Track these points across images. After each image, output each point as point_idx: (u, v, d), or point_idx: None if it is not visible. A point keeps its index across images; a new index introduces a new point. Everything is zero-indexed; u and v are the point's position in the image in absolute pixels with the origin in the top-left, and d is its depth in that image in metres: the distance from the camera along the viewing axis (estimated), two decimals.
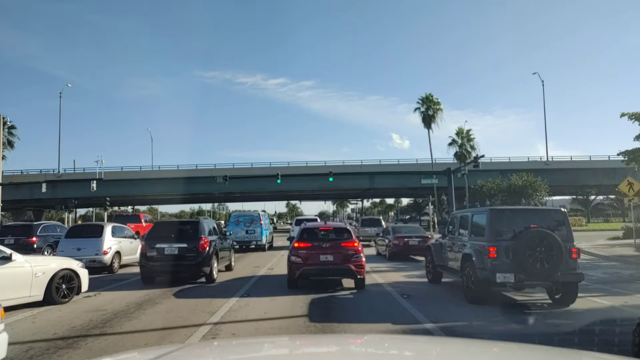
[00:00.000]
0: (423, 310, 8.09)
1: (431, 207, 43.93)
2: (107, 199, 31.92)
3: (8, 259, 8.26)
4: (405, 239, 18.25)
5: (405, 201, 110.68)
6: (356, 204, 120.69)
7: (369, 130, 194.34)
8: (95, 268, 13.71)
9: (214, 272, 12.27)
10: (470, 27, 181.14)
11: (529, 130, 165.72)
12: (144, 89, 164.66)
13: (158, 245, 12.08)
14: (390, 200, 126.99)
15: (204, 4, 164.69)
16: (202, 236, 12.26)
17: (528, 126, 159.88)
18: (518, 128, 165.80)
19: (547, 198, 46.91)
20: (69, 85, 52.71)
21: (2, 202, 32.22)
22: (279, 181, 38.33)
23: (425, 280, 11.92)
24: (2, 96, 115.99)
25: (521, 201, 43.74)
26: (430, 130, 50.86)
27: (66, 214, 32.87)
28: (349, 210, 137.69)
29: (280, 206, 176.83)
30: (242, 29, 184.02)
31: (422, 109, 50.80)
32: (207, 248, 12.06)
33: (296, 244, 11.03)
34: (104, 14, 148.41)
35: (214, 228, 13.90)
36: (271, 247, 25.73)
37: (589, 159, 50.63)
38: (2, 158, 44.22)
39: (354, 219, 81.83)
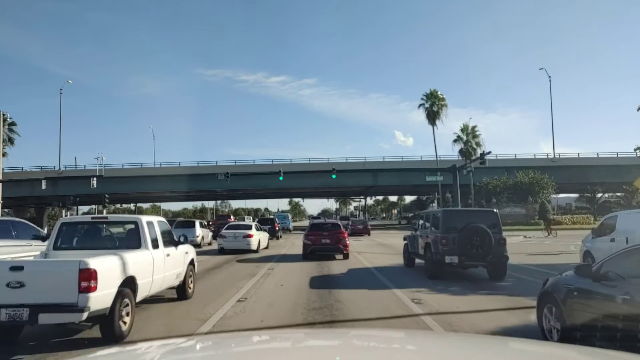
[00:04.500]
0: (394, 280, 11.12)
1: (435, 204, 43.28)
2: (106, 196, 31.38)
3: (265, 231, 24.52)
4: (357, 225, 38.79)
5: (408, 199, 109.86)
6: (359, 201, 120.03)
7: (372, 128, 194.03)
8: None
9: (280, 236, 33.51)
10: (473, 25, 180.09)
11: (532, 128, 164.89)
12: (145, 87, 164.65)
13: (261, 226, 26.44)
14: (393, 198, 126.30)
15: (206, 2, 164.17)
16: (275, 223, 33.54)
17: (531, 124, 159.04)
18: (521, 126, 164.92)
19: (553, 195, 46.21)
20: (69, 81, 52.08)
21: (2, 199, 31.82)
22: (281, 178, 37.73)
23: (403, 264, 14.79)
24: (4, 94, 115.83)
25: (528, 199, 43.12)
26: (435, 127, 50.07)
27: (64, 211, 32.29)
28: (351, 207, 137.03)
29: (282, 204, 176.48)
30: (244, 27, 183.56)
31: (427, 105, 49.93)
32: (277, 227, 33.44)
33: (307, 232, 17.78)
34: (104, 12, 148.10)
35: (276, 220, 35.59)
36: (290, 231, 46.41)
37: (596, 155, 49.77)
38: (3, 155, 43.82)
39: (339, 215, 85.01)
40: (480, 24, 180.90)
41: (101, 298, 5.47)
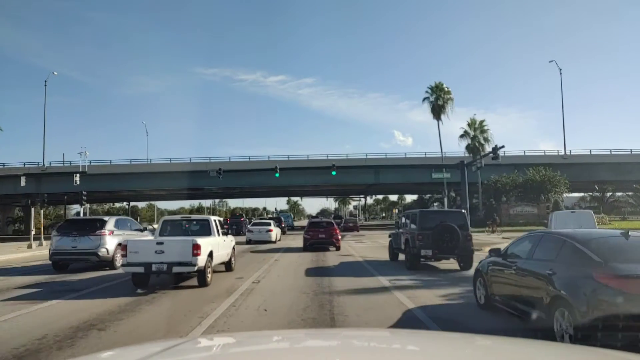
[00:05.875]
0: (380, 271, 12.78)
1: (444, 203, 40.88)
2: (84, 193, 28.67)
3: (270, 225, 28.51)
4: (348, 224, 45.25)
5: (409, 198, 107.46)
6: (359, 200, 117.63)
7: (371, 128, 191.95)
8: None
9: (285, 232, 38.90)
10: (471, 25, 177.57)
11: (531, 128, 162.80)
12: (144, 86, 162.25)
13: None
14: (393, 197, 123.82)
15: (205, 1, 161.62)
16: (282, 221, 41.96)
17: (530, 124, 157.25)
18: (520, 126, 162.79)
19: (566, 194, 43.75)
20: (54, 73, 49.32)
21: None
22: (277, 175, 35.37)
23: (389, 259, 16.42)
24: (3, 93, 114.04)
25: (540, 198, 40.72)
26: (440, 122, 47.44)
27: (33, 209, 29.46)
28: (351, 207, 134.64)
29: (281, 203, 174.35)
30: (243, 26, 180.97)
31: (432, 99, 47.31)
32: (284, 225, 42.47)
33: (307, 229, 21.39)
34: (104, 12, 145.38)
35: (280, 219, 42.28)
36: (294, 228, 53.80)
37: (609, 152, 47.30)
38: None
39: (334, 215, 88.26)
40: (479, 24, 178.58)
41: (201, 260, 9.93)
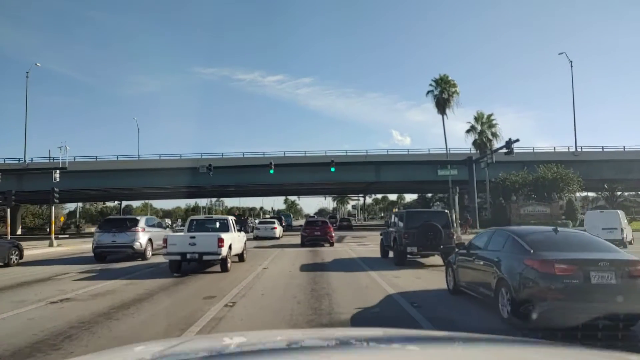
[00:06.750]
0: (371, 266, 14.26)
1: (438, 203, 38.53)
2: (55, 190, 26.11)
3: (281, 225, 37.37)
4: (342, 222, 53.25)
5: (408, 198, 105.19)
6: (358, 200, 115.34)
7: (369, 128, 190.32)
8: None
9: (284, 229, 39.06)
10: (470, 26, 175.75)
11: (528, 128, 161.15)
12: (143, 85, 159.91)
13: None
14: (393, 197, 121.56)
15: (204, 1, 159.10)
16: (282, 220, 44.53)
17: (527, 124, 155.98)
18: (519, 126, 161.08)
19: (579, 193, 41.48)
20: (37, 64, 46.89)
21: None
22: (271, 171, 33.11)
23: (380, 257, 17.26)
24: (4, 93, 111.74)
25: (552, 196, 38.44)
26: (445, 116, 45.01)
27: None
28: (349, 207, 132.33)
29: (278, 202, 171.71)
30: (242, 26, 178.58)
31: (436, 92, 44.83)
32: (284, 223, 45.18)
33: (304, 227, 24.08)
34: (104, 12, 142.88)
35: (282, 218, 48.48)
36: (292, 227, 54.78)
37: (622, 149, 45.00)
38: None
39: (329, 215, 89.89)
40: (478, 23, 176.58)
41: (224, 250, 12.85)
